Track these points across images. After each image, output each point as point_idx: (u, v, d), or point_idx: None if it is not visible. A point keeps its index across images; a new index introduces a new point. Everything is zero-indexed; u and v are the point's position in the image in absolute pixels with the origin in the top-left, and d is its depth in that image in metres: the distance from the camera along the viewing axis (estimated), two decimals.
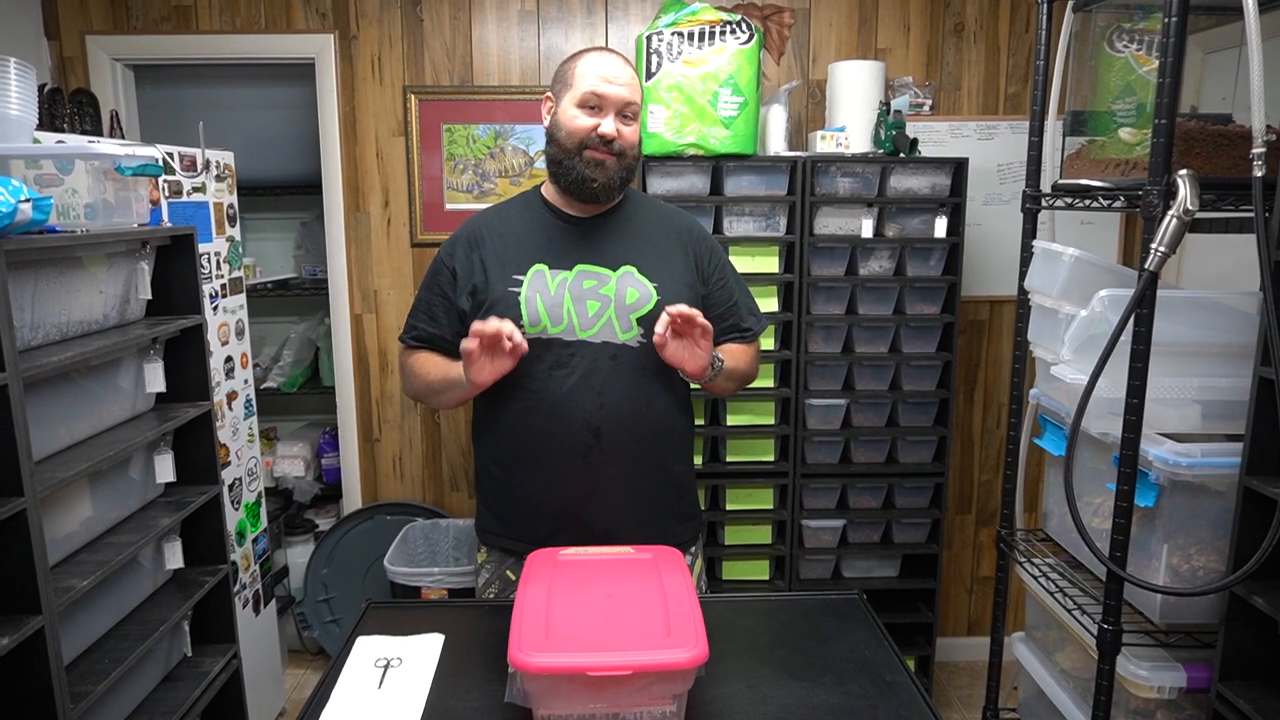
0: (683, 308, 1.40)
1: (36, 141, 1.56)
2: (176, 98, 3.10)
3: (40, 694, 1.32)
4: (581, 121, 1.51)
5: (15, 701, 1.32)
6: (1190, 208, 1.37)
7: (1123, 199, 1.63)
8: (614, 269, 1.55)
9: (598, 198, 1.55)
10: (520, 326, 1.50)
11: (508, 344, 1.37)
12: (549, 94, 1.59)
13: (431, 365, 1.60)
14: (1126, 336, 1.46)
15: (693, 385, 1.72)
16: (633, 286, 1.54)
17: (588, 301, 1.53)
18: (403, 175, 2.82)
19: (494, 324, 1.37)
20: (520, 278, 1.54)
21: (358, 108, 2.79)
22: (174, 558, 1.77)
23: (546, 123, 1.58)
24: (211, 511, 1.87)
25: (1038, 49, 1.87)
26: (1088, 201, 1.72)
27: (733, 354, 1.64)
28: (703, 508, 1.88)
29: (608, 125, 1.50)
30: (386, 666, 1.24)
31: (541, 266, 1.54)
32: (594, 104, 1.51)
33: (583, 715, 1.08)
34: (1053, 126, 1.90)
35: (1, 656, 1.22)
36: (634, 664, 1.04)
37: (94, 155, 1.52)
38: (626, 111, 1.52)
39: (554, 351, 1.52)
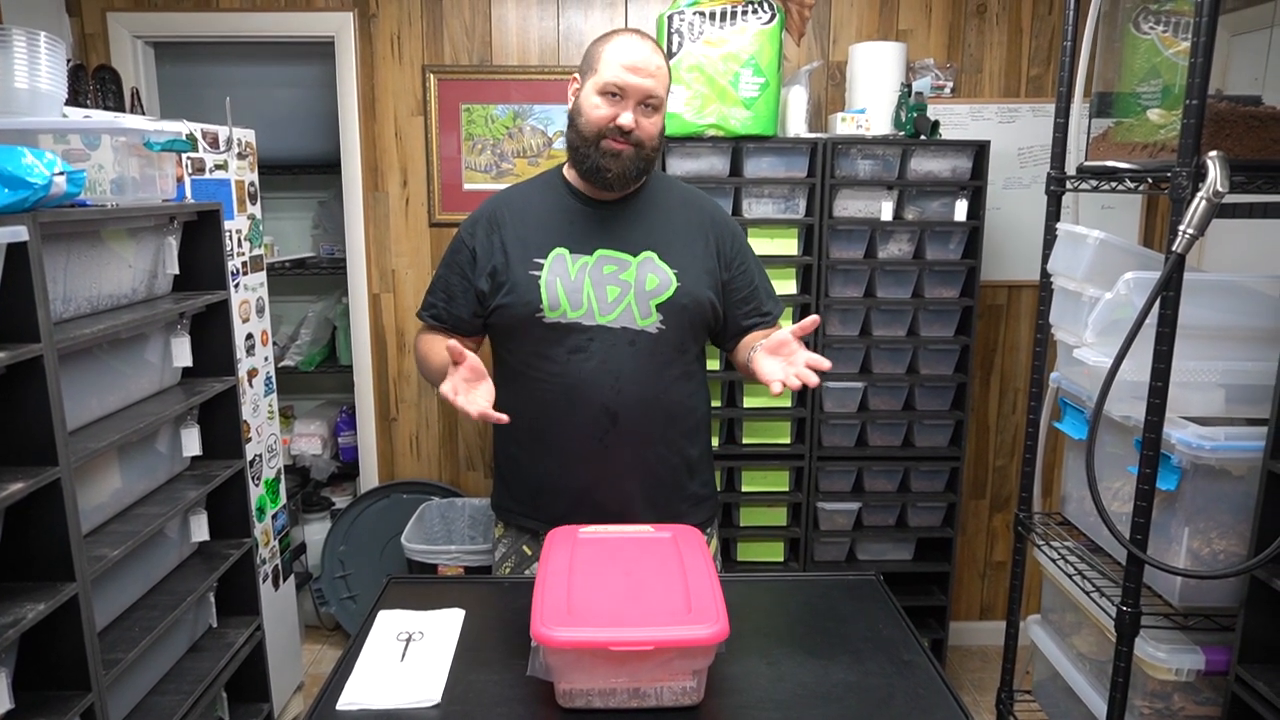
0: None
1: (64, 116, 1.57)
2: (196, 75, 3.11)
3: (74, 661, 1.34)
4: (601, 111, 1.49)
5: (50, 667, 1.35)
6: (1220, 189, 1.36)
7: (1150, 181, 1.61)
8: (634, 255, 1.55)
9: (611, 187, 1.54)
10: (540, 310, 1.52)
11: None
12: (575, 75, 1.57)
13: (433, 351, 1.57)
14: (1151, 320, 1.46)
15: (710, 368, 1.72)
16: (653, 273, 1.55)
17: (607, 287, 1.53)
18: (421, 155, 2.82)
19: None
20: (541, 261, 1.54)
21: (377, 87, 2.79)
22: (199, 530, 1.79)
23: (570, 105, 1.57)
24: (235, 486, 1.89)
25: (1064, 30, 1.85)
26: (1113, 184, 1.71)
27: None
28: (719, 489, 1.89)
29: (626, 117, 1.48)
30: (409, 640, 1.26)
31: (562, 251, 1.54)
32: (615, 92, 1.48)
33: (604, 689, 1.09)
34: (1078, 109, 1.88)
35: (37, 623, 1.24)
36: (656, 639, 1.05)
37: (123, 130, 1.52)
38: (648, 102, 1.50)
39: (573, 336, 1.53)
